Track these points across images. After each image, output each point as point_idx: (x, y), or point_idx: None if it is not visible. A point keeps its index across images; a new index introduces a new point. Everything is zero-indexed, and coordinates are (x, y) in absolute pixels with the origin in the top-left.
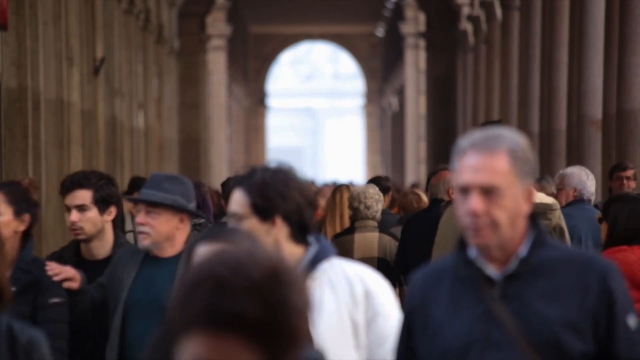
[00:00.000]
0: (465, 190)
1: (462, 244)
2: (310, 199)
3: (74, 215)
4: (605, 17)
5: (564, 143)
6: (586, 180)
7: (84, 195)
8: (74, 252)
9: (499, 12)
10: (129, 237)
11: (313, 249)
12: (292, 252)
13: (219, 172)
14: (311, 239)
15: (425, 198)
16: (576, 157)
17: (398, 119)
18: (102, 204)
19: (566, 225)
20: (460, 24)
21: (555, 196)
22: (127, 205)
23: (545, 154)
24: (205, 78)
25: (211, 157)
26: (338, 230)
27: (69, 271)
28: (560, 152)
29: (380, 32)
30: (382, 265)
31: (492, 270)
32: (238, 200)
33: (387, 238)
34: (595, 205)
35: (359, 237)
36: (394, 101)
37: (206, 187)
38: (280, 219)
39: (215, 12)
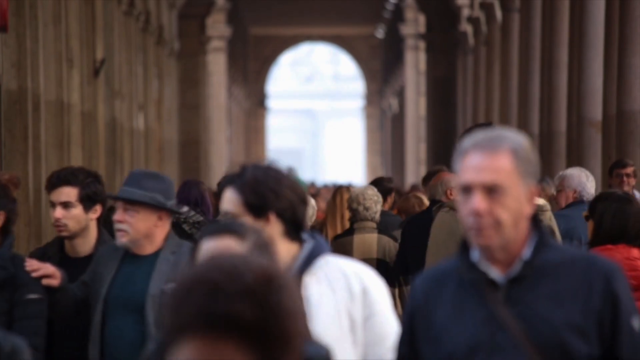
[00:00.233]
0: (467, 189)
1: (464, 247)
2: (302, 196)
3: (58, 212)
4: (605, 18)
5: (564, 144)
6: (586, 181)
7: (69, 192)
8: (57, 248)
9: (499, 13)
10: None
11: (308, 245)
12: (287, 249)
13: (219, 173)
14: (305, 235)
15: (427, 201)
16: (576, 158)
17: (398, 121)
18: (87, 201)
19: (566, 226)
20: (460, 26)
21: (555, 198)
22: None
23: (545, 155)
24: (205, 79)
25: (211, 158)
26: (339, 231)
27: (48, 268)
28: (560, 153)
29: (380, 33)
30: (381, 266)
31: (495, 274)
32: (230, 199)
33: (386, 239)
34: None
35: (358, 239)
36: (394, 103)
37: (205, 186)
38: (274, 216)
39: (215, 14)
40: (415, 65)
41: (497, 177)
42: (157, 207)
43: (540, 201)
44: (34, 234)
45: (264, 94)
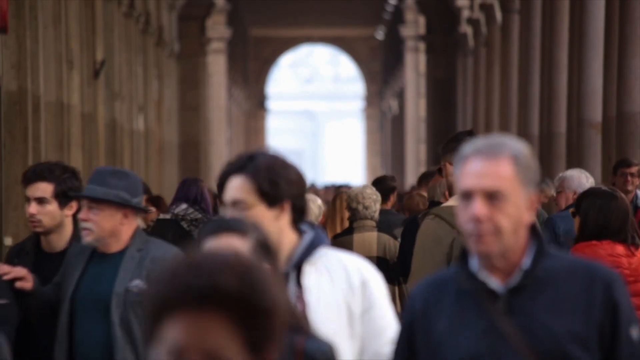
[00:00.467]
0: (468, 195)
1: (463, 256)
2: (305, 183)
3: (33, 208)
4: (605, 19)
5: (564, 145)
6: (586, 183)
7: (45, 188)
8: (34, 243)
9: (498, 15)
10: None
11: (308, 236)
12: (290, 239)
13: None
14: (305, 226)
15: None
16: (576, 159)
17: (398, 122)
18: (63, 197)
19: (566, 227)
20: (460, 27)
21: (555, 199)
22: None
23: (545, 157)
24: (205, 81)
25: (211, 159)
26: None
27: (19, 271)
28: (560, 154)
29: (380, 35)
30: (381, 264)
31: (495, 283)
32: (240, 187)
33: (385, 237)
34: None
35: (357, 237)
36: (393, 104)
37: (204, 183)
38: (289, 204)
39: (215, 15)
40: (415, 66)
41: (498, 183)
42: (121, 205)
43: None
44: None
45: (264, 95)
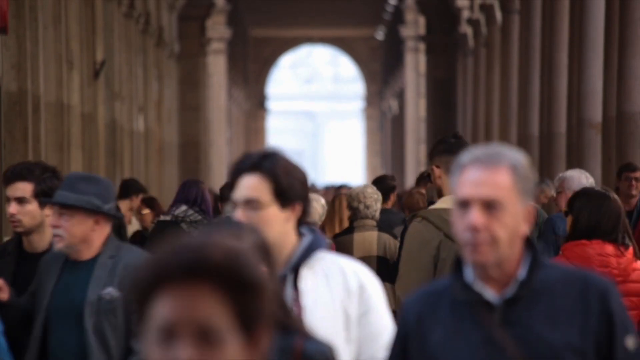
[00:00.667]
0: (465, 204)
1: (458, 266)
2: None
3: (13, 207)
4: (606, 19)
5: (564, 146)
6: (586, 183)
7: (24, 188)
8: (15, 244)
9: (498, 15)
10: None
11: (307, 238)
12: (291, 241)
13: (218, 175)
14: (304, 229)
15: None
16: (576, 160)
17: (398, 122)
18: (43, 197)
19: (565, 228)
20: (460, 27)
21: (555, 199)
22: (124, 205)
23: (545, 157)
24: (206, 81)
25: (211, 160)
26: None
27: None
28: (560, 155)
29: (380, 35)
30: (381, 263)
31: (491, 295)
32: (255, 186)
33: (386, 236)
34: None
35: (358, 237)
36: (394, 104)
37: (205, 184)
38: (300, 206)
39: (215, 15)
40: (415, 66)
41: (496, 192)
42: (92, 211)
43: None
44: None
45: (264, 95)
